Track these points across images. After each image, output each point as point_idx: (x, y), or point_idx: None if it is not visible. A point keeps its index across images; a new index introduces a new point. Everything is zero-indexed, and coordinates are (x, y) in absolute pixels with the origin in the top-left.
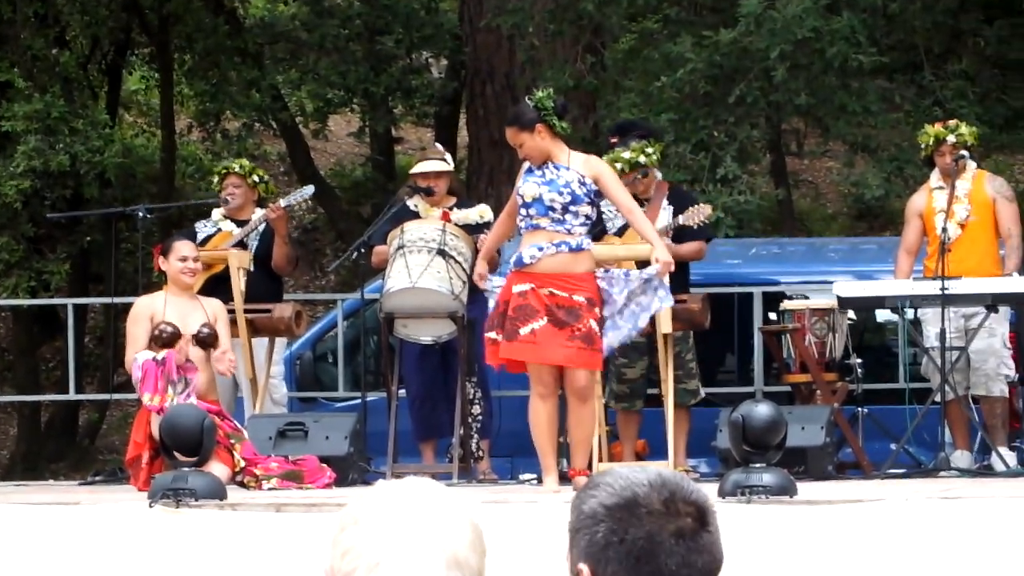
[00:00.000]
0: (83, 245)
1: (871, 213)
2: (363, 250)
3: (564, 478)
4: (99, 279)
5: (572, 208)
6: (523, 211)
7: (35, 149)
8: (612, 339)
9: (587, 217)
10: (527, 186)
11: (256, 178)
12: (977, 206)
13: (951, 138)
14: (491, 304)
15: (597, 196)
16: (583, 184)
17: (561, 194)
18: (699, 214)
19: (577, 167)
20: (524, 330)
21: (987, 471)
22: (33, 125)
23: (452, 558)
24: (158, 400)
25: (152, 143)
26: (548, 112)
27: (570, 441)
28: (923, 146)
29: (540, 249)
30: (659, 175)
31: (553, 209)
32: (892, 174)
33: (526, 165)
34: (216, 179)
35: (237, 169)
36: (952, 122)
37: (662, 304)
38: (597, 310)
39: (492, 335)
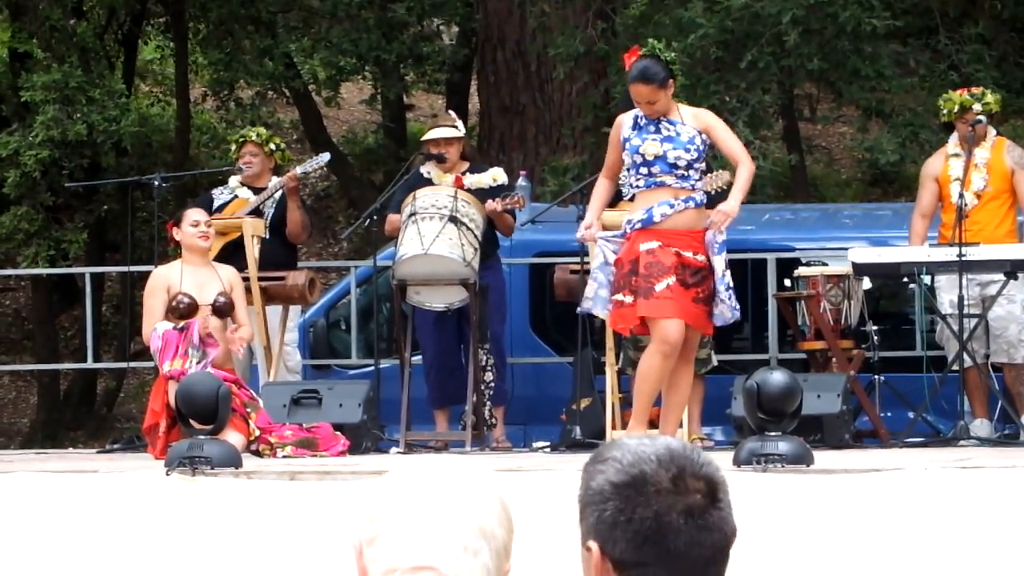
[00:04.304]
0: (100, 214)
1: (885, 179)
2: (375, 217)
3: (577, 445)
4: (116, 248)
5: (695, 164)
6: (643, 170)
7: (53, 119)
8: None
9: (703, 173)
10: (648, 144)
11: (273, 146)
12: (995, 176)
13: (977, 106)
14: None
15: (709, 150)
16: (701, 139)
17: (688, 151)
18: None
19: (691, 122)
20: (660, 286)
21: (1008, 440)
22: (51, 95)
23: (479, 528)
24: (179, 364)
25: (167, 112)
26: (674, 63)
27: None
28: (944, 112)
29: (671, 206)
30: None
31: (677, 167)
32: (907, 139)
33: (628, 121)
34: (233, 147)
35: (254, 137)
36: (977, 89)
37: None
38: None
39: (620, 296)
